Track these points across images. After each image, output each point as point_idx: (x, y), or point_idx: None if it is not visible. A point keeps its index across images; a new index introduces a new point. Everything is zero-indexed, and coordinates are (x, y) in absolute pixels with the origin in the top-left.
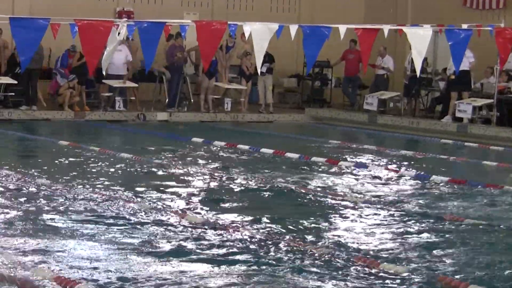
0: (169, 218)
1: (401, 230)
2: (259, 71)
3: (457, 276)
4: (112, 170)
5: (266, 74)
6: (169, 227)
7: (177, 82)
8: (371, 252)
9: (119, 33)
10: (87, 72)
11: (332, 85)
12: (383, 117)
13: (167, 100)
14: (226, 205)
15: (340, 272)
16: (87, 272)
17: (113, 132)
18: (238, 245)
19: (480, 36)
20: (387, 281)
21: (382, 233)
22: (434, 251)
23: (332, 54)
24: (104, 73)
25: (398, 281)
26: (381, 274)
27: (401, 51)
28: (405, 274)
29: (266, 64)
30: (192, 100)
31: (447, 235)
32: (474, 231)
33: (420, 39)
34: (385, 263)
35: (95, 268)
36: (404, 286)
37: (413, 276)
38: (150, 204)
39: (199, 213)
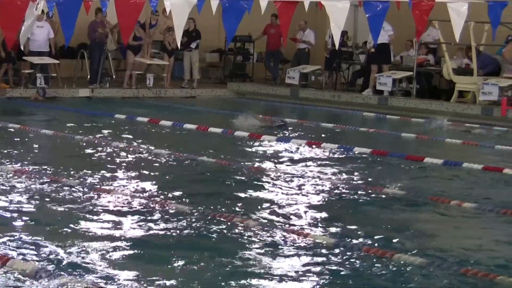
0: (94, 194)
1: (323, 201)
2: (178, 45)
3: (377, 244)
4: (35, 147)
5: (193, 49)
6: (94, 202)
7: (98, 58)
8: (297, 224)
9: (36, 8)
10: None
11: (254, 59)
12: (305, 90)
13: (88, 76)
14: (150, 181)
15: (267, 244)
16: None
17: (34, 110)
18: (162, 219)
19: (400, 9)
20: (316, 251)
21: (306, 205)
22: (358, 222)
23: (254, 29)
24: (22, 48)
25: (325, 251)
26: (310, 244)
27: (322, 25)
28: (332, 245)
29: (198, 40)
30: (114, 76)
31: (366, 206)
32: (392, 201)
33: (338, 12)
34: (312, 234)
35: (29, 243)
36: (335, 257)
37: (340, 248)
38: (75, 180)
39: (126, 189)
